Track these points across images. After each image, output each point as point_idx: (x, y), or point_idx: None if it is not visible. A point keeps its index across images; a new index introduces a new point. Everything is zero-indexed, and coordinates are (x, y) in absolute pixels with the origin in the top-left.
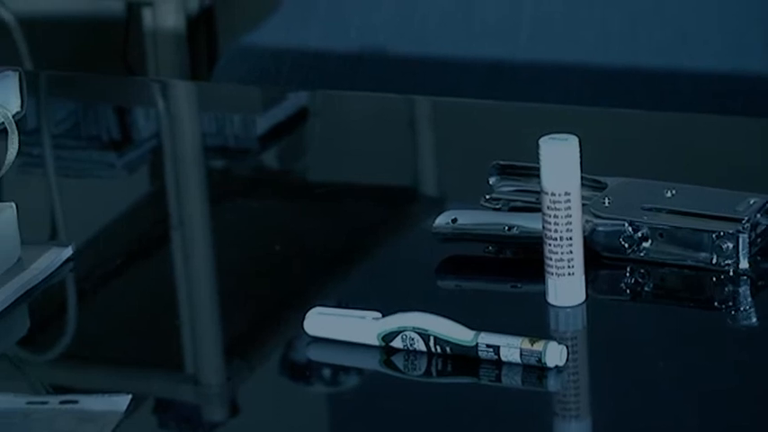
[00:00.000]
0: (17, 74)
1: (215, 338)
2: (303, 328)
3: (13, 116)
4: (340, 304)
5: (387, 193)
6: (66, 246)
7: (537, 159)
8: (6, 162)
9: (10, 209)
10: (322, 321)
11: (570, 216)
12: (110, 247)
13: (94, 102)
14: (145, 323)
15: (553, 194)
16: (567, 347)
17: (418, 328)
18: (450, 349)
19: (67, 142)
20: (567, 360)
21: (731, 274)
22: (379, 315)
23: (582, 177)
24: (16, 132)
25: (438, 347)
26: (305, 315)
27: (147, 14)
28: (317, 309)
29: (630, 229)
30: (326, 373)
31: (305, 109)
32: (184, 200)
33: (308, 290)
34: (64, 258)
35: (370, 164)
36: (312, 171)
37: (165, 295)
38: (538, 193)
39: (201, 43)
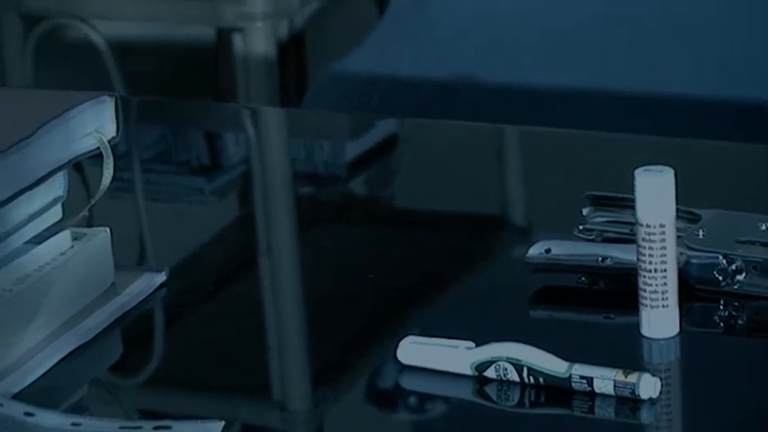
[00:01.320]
0: (113, 99)
1: (303, 365)
2: (395, 356)
3: (109, 141)
4: (432, 333)
5: (476, 222)
6: (160, 271)
7: (629, 190)
8: (102, 187)
9: (104, 233)
10: (415, 350)
11: (665, 248)
12: (199, 272)
13: (184, 127)
14: (233, 349)
15: (648, 226)
16: (661, 380)
17: (511, 359)
18: (544, 380)
19: (157, 167)
20: (661, 392)
21: None
22: (472, 344)
23: (676, 209)
24: (111, 157)
25: (531, 378)
26: (396, 343)
27: (237, 40)
28: (410, 337)
29: (724, 261)
30: (417, 401)
31: (394, 136)
32: (273, 226)
33: (398, 318)
34: (157, 284)
35: (458, 192)
36: (401, 198)
37: (253, 321)
38: (632, 224)
39: (291, 68)
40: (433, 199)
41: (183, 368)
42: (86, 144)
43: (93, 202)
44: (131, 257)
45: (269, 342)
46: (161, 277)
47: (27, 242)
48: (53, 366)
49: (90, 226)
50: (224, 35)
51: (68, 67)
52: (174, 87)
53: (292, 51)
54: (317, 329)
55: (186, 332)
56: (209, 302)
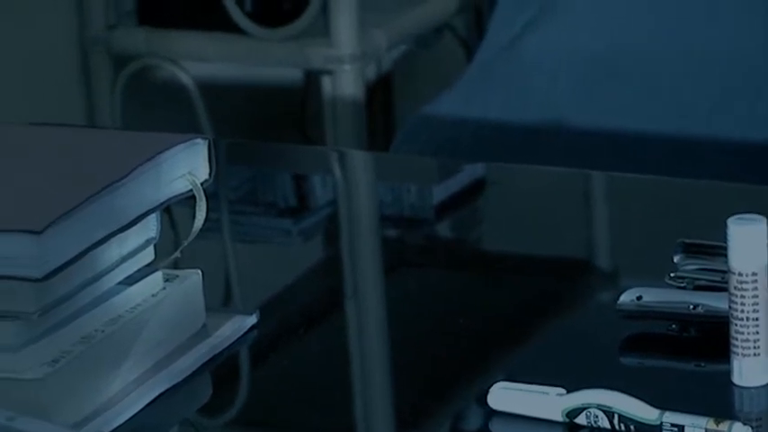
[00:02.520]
0: (206, 142)
1: (389, 409)
2: (485, 401)
3: (201, 184)
4: (522, 378)
5: (564, 267)
6: (251, 314)
7: (720, 238)
8: (194, 229)
9: (196, 275)
10: (506, 395)
11: (757, 296)
12: (285, 314)
13: (272, 169)
14: (320, 392)
15: (740, 274)
16: (753, 428)
17: (603, 406)
18: (635, 428)
19: (244, 208)
20: None
21: None
22: (563, 391)
23: None
24: (204, 200)
25: (622, 425)
26: (485, 388)
27: (325, 82)
28: (501, 383)
29: None
30: None
31: (482, 180)
32: (359, 268)
33: (487, 362)
34: (248, 326)
35: (546, 237)
36: (488, 242)
37: (339, 364)
38: (723, 272)
39: (378, 111)
40: (521, 243)
41: (271, 410)
42: (179, 186)
43: (185, 243)
44: (217, 298)
45: (355, 385)
46: (251, 320)
47: (119, 283)
48: (144, 407)
49: (176, 266)
50: (312, 77)
51: (156, 108)
52: (262, 129)
53: (379, 94)
54: (403, 373)
55: (274, 374)
56: (296, 345)
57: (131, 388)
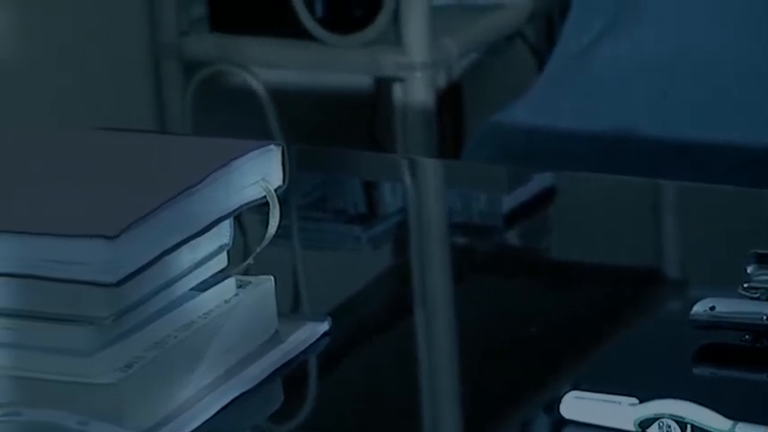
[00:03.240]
0: (279, 148)
1: (459, 417)
2: (556, 410)
3: (275, 190)
4: (594, 388)
5: (633, 277)
6: (323, 321)
7: None
8: (267, 235)
9: (268, 282)
10: (578, 404)
11: None
12: (354, 321)
13: (342, 175)
14: (389, 400)
15: None
16: None
17: (675, 416)
18: None
19: (314, 214)
20: None
21: None
22: (635, 401)
23: None
24: (278, 207)
25: None
26: (555, 397)
27: (396, 89)
28: (573, 392)
29: None
30: None
31: (551, 189)
32: (428, 276)
33: (557, 371)
34: (320, 333)
35: (615, 246)
36: (557, 251)
37: (409, 372)
38: None
39: (448, 118)
40: (591, 252)
41: (341, 417)
42: (252, 193)
43: (258, 250)
44: (286, 304)
45: (424, 393)
46: (323, 327)
47: (192, 289)
48: (216, 413)
49: (246, 273)
50: (382, 84)
51: (227, 114)
52: (331, 136)
53: (449, 102)
54: (472, 381)
55: (344, 381)
56: (365, 352)
57: (203, 394)
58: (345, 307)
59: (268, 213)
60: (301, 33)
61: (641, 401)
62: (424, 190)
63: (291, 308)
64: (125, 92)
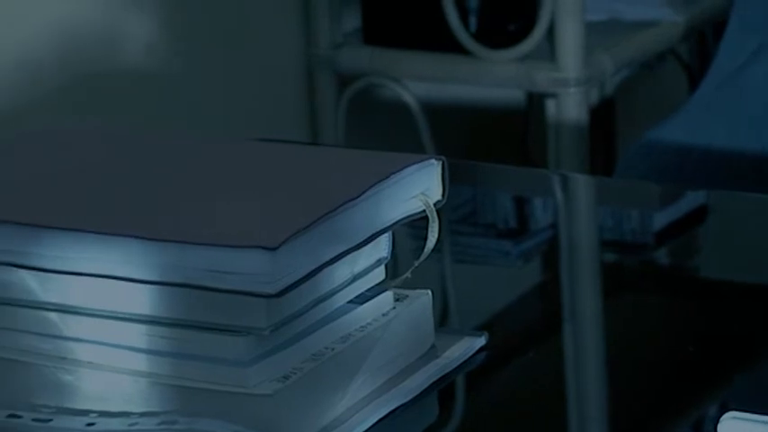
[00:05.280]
0: (440, 163)
1: None
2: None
3: (435, 204)
4: (749, 409)
5: None
6: (480, 336)
7: None
8: (426, 249)
9: (426, 296)
10: (737, 426)
11: None
12: (504, 336)
13: (493, 189)
14: (540, 414)
15: None
16: None
17: None
18: None
19: (464, 228)
20: None
21: None
22: None
23: None
24: (437, 221)
25: None
26: (714, 418)
27: (549, 105)
28: (731, 413)
29: None
30: None
31: (704, 207)
32: (577, 292)
33: (711, 391)
34: (477, 348)
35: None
36: (708, 269)
37: (557, 387)
38: None
39: (600, 134)
40: (742, 270)
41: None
42: (412, 207)
43: (416, 264)
44: (436, 317)
45: (572, 409)
46: (480, 341)
47: (350, 301)
48: (371, 426)
49: (403, 286)
50: (535, 99)
51: (378, 126)
52: (482, 150)
53: (602, 117)
54: (622, 399)
55: (497, 396)
56: (516, 368)
57: (360, 406)
58: (494, 322)
59: (420, 227)
60: (454, 47)
61: None
62: (576, 206)
63: (441, 322)
64: (278, 103)
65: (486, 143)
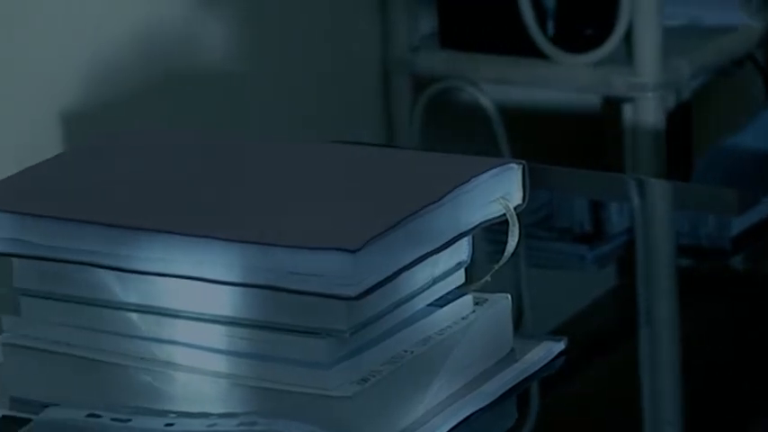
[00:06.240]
0: (521, 167)
1: None
2: None
3: (515, 208)
4: None
5: None
6: (559, 341)
7: None
8: (506, 253)
9: (505, 300)
10: None
11: None
12: (579, 341)
13: (569, 193)
14: (615, 421)
15: None
16: None
17: None
18: None
19: (540, 233)
20: None
21: None
22: None
23: None
24: (517, 225)
25: None
26: None
27: (626, 110)
28: None
29: None
30: None
31: None
32: (654, 297)
33: None
34: (556, 353)
35: None
36: None
37: (632, 392)
38: None
39: (676, 140)
40: None
41: None
42: (492, 210)
43: (496, 268)
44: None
45: (648, 413)
46: (559, 346)
47: (430, 305)
48: (450, 429)
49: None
50: (611, 103)
51: (454, 129)
52: (557, 153)
53: (679, 122)
54: (698, 405)
55: (574, 401)
56: (585, 371)
57: (438, 410)
58: (569, 326)
59: (495, 230)
60: (531, 51)
61: None
62: (652, 211)
63: (516, 325)
64: (355, 106)
65: (562, 147)
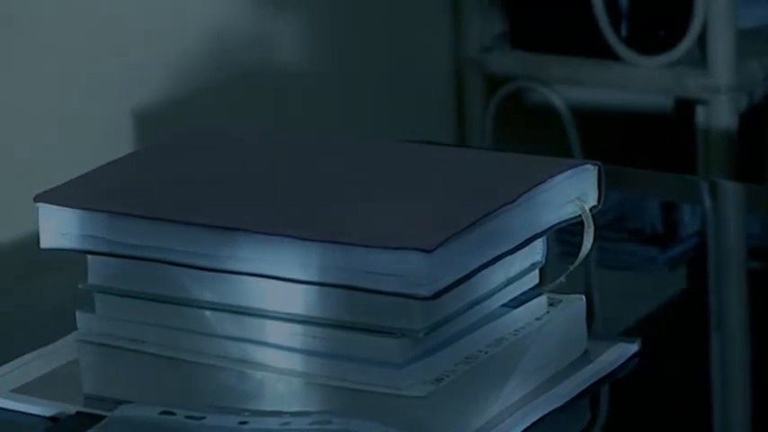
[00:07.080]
0: (596, 168)
1: None
2: None
3: (590, 209)
4: None
5: None
6: (633, 342)
7: None
8: (581, 254)
9: (579, 301)
10: None
11: None
12: (648, 342)
13: (640, 195)
14: (685, 422)
15: None
16: None
17: None
18: None
19: (611, 234)
20: None
21: None
22: None
23: None
24: (592, 226)
25: None
26: None
27: (699, 111)
28: None
29: None
30: None
31: None
32: (725, 300)
33: None
34: (630, 354)
35: None
36: None
37: (703, 398)
38: None
39: (748, 142)
40: None
41: None
42: (567, 211)
43: (571, 269)
44: None
45: (718, 417)
46: (633, 347)
47: (504, 305)
48: (525, 429)
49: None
50: (683, 105)
51: (527, 130)
52: (630, 154)
53: (751, 125)
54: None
55: (647, 402)
56: (663, 375)
57: (512, 410)
58: (641, 328)
59: (568, 231)
60: (604, 52)
61: None
62: (724, 213)
63: (587, 326)
64: (427, 105)
65: (634, 148)
